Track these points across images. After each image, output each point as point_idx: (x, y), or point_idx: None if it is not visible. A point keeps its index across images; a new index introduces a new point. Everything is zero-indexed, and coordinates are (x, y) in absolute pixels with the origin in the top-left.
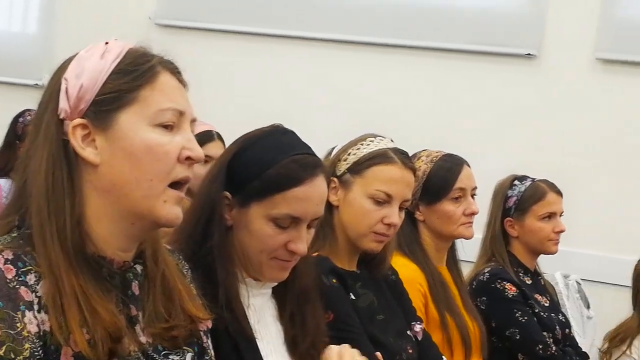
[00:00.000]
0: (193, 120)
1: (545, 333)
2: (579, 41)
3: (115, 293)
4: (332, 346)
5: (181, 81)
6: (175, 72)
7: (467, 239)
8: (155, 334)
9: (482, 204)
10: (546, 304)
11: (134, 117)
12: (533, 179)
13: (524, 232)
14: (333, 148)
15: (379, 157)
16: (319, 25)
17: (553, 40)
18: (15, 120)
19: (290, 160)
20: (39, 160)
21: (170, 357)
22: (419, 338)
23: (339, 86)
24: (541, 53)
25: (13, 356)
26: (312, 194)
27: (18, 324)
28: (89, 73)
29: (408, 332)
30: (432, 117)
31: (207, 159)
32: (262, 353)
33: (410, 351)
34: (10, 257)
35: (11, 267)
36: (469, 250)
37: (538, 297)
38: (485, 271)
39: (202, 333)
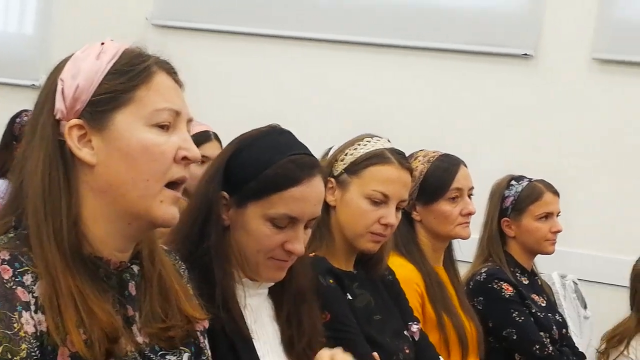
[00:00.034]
0: (189, 120)
1: (542, 333)
2: (576, 41)
3: (112, 293)
4: (325, 349)
5: (177, 81)
6: (171, 72)
7: (464, 239)
8: (152, 334)
9: (479, 204)
10: (543, 304)
11: (130, 118)
12: (530, 179)
13: (521, 232)
14: (330, 148)
15: (376, 158)
16: (316, 26)
17: (550, 41)
18: (12, 120)
19: (287, 160)
20: (35, 161)
21: (167, 357)
22: (416, 338)
23: (335, 86)
24: (538, 53)
25: (10, 356)
26: (310, 194)
27: (15, 325)
28: (84, 73)
29: (405, 333)
30: (429, 117)
31: (204, 159)
32: (259, 353)
33: (407, 351)
34: (7, 257)
35: (8, 267)
36: (465, 251)
37: (535, 297)
38: (482, 271)
39: (199, 333)
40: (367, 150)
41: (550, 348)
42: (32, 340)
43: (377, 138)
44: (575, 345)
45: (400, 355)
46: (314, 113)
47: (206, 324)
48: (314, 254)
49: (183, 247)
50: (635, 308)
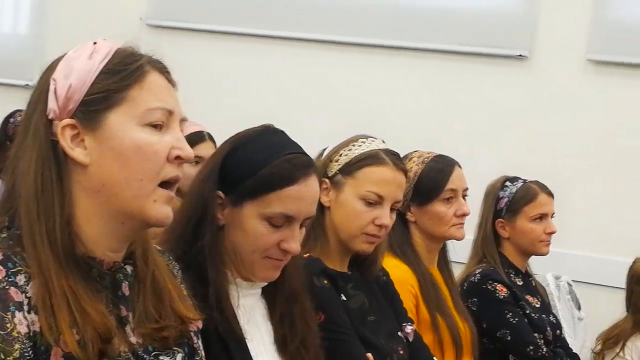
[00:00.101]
0: (182, 120)
1: (536, 334)
2: (570, 42)
3: (105, 294)
4: None
5: (170, 80)
6: (163, 71)
7: (458, 240)
8: (146, 335)
9: (474, 205)
10: (537, 305)
11: (122, 117)
12: (524, 180)
13: (515, 233)
14: (324, 149)
15: (370, 158)
16: (310, 26)
17: (545, 42)
18: (6, 120)
19: (283, 159)
20: (28, 161)
21: (161, 357)
22: (410, 339)
23: (330, 87)
24: (533, 54)
25: (3, 357)
26: (306, 193)
27: (8, 325)
28: (77, 73)
29: (399, 334)
30: (423, 118)
31: (198, 159)
32: (252, 353)
33: (402, 352)
34: (0, 258)
35: (1, 267)
36: (460, 252)
37: (529, 298)
38: (477, 272)
39: (192, 334)
40: (362, 151)
41: (544, 349)
42: (25, 341)
43: (372, 139)
44: (569, 346)
45: (395, 357)
46: (309, 113)
47: (200, 324)
48: (308, 254)
49: (177, 247)
50: (631, 310)
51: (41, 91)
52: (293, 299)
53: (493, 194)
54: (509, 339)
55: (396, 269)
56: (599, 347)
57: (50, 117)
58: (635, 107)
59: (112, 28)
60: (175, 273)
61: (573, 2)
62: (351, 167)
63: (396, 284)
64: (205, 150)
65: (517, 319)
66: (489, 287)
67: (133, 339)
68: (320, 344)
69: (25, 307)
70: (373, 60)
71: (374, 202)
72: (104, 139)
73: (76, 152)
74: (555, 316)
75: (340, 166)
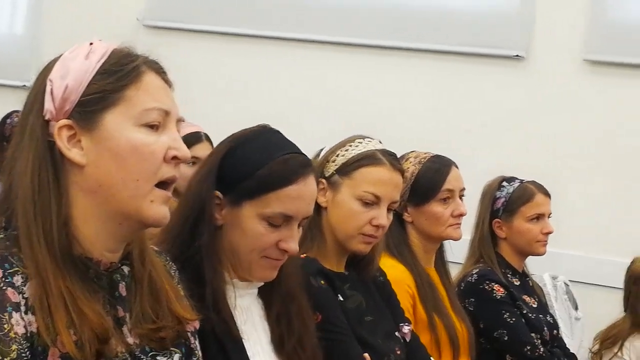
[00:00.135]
0: (179, 120)
1: (533, 334)
2: (567, 43)
3: (102, 294)
4: None
5: (166, 81)
6: (160, 71)
7: (455, 240)
8: (143, 335)
9: (471, 205)
10: (534, 305)
11: (119, 118)
12: (521, 181)
13: (512, 234)
14: (321, 149)
15: (367, 159)
16: (309, 27)
17: (541, 42)
18: (3, 121)
19: (282, 159)
20: (24, 161)
21: (158, 358)
22: (407, 339)
23: (329, 88)
24: (529, 55)
25: (0, 357)
26: (304, 193)
27: (5, 325)
28: (73, 74)
29: (396, 334)
30: (421, 119)
31: (195, 160)
32: (249, 353)
33: (399, 352)
34: None
35: None
36: (457, 252)
37: (526, 298)
38: (474, 272)
39: (189, 334)
40: (359, 152)
41: (542, 349)
42: (22, 341)
43: (369, 139)
44: (566, 346)
45: (392, 357)
46: (310, 115)
47: (197, 324)
48: (305, 255)
49: (174, 247)
50: (629, 310)
51: (37, 92)
52: (290, 299)
53: (490, 194)
54: (506, 339)
55: (393, 270)
56: (596, 347)
57: (46, 117)
58: (632, 107)
59: (109, 29)
60: (173, 273)
61: (570, 2)
62: (348, 168)
63: (393, 284)
64: (202, 150)
65: (514, 319)
66: (486, 287)
67: (130, 340)
68: (317, 343)
69: (23, 308)
70: (371, 61)
71: (370, 202)
72: (101, 140)
73: (73, 153)
74: (552, 316)
75: (337, 166)
